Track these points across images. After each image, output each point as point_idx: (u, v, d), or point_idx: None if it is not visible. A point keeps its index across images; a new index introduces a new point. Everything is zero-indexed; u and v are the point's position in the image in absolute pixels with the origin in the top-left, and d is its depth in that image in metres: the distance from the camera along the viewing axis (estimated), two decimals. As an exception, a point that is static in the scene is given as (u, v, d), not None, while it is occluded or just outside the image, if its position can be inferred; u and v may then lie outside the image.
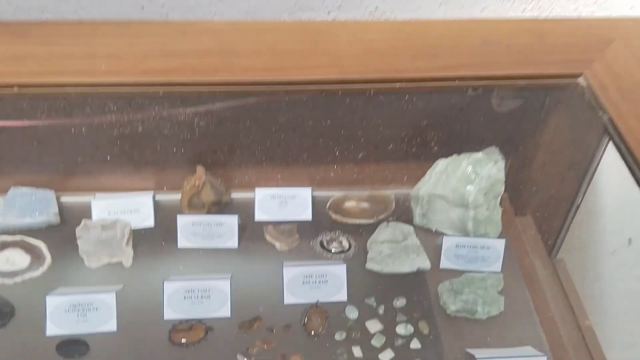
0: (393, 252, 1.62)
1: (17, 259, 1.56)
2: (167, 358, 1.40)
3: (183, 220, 1.62)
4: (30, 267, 1.55)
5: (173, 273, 1.56)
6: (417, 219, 1.72)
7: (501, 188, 1.64)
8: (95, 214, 1.65)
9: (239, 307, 1.50)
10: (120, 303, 1.46)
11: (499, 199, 1.67)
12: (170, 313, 1.47)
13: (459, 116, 1.67)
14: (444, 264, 1.62)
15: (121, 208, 1.67)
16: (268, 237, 1.66)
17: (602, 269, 1.76)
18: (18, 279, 1.52)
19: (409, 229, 1.70)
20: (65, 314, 1.43)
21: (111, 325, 1.44)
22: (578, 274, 1.78)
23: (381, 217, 1.74)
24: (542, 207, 1.79)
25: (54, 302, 1.43)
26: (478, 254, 1.61)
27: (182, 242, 1.63)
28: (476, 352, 1.41)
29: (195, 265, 1.60)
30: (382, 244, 1.64)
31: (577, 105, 1.48)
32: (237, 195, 1.78)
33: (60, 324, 1.42)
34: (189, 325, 1.46)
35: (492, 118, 1.68)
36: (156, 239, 1.66)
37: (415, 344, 1.45)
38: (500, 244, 1.61)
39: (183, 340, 1.43)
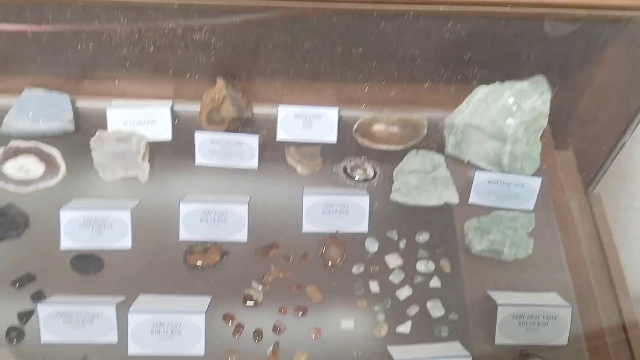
0: (420, 183, 1.53)
1: (31, 166, 1.51)
2: (182, 279, 1.38)
3: (201, 137, 1.54)
4: (44, 177, 1.50)
5: (190, 191, 1.50)
6: (449, 149, 1.62)
7: (544, 122, 1.52)
8: (111, 124, 1.58)
9: (256, 232, 1.45)
10: (136, 220, 1.42)
11: (540, 133, 1.54)
12: (186, 234, 1.43)
13: (505, 40, 1.50)
14: (473, 199, 1.53)
15: (138, 118, 1.60)
16: (289, 160, 1.58)
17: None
18: (32, 188, 1.49)
19: (440, 159, 1.60)
20: (80, 228, 1.40)
21: (126, 243, 1.41)
22: (614, 214, 1.68)
23: (411, 143, 1.64)
24: (585, 142, 1.67)
25: (68, 216, 1.40)
26: (511, 192, 1.52)
27: (200, 159, 1.56)
28: (498, 297, 1.36)
29: (212, 184, 1.54)
30: (410, 174, 1.55)
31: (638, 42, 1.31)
32: (259, 111, 1.68)
33: (74, 238, 1.40)
34: (205, 248, 1.42)
35: (542, 44, 1.51)
36: (173, 154, 1.59)
37: (435, 283, 1.40)
38: (536, 182, 1.51)
39: (198, 263, 1.40)
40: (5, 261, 1.37)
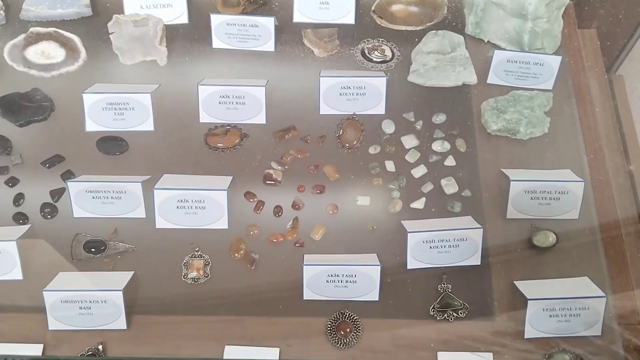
0: (439, 64, 1.52)
1: (52, 52, 1.53)
2: (203, 161, 1.43)
3: (217, 20, 1.53)
4: (65, 61, 1.53)
5: (208, 74, 1.52)
6: (469, 28, 1.59)
7: (566, -2, 1.47)
8: (127, 8, 1.57)
9: (274, 115, 1.47)
10: (157, 103, 1.45)
11: (562, 10, 1.50)
12: (206, 117, 1.46)
13: None
14: (492, 79, 1.52)
15: (154, 2, 1.58)
16: (306, 42, 1.57)
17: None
18: (55, 73, 1.52)
19: (459, 39, 1.57)
20: (103, 111, 1.44)
21: (148, 125, 1.45)
22: (634, 94, 1.66)
23: (430, 24, 1.60)
24: (610, 22, 1.61)
25: (91, 99, 1.43)
26: (530, 71, 1.50)
27: (217, 42, 1.56)
28: (511, 173, 1.38)
29: (230, 67, 1.55)
30: (428, 54, 1.54)
31: None
32: (275, -7, 1.65)
33: (98, 121, 1.44)
34: (225, 130, 1.46)
35: None
36: (190, 37, 1.59)
37: (450, 161, 1.43)
38: (556, 61, 1.49)
39: (219, 145, 1.44)
40: (34, 144, 1.43)
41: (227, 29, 1.54)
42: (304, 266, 1.26)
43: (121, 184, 1.34)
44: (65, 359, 1.21)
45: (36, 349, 1.22)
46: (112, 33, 1.52)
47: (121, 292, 1.23)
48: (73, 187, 1.34)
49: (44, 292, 1.23)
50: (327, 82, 1.46)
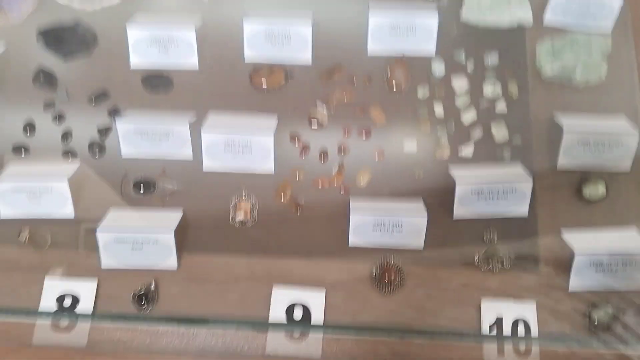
0: (493, 2, 1.45)
1: (92, -17, 1.49)
2: (248, 100, 1.41)
3: (262, -50, 1.46)
4: (107, -7, 1.48)
5: (252, 9, 1.47)
6: (528, -38, 1.49)
7: None
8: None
9: (319, 53, 1.43)
10: (200, 38, 1.41)
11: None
12: (250, 54, 1.43)
13: None
14: (549, 19, 1.45)
15: None
16: (354, -26, 1.50)
17: None
18: (97, 6, 1.48)
19: (516, -26, 1.48)
20: (147, 47, 1.41)
21: (193, 63, 1.42)
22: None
23: (486, -44, 1.51)
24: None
25: (135, 35, 1.40)
26: (589, 11, 1.42)
27: (261, -26, 1.50)
28: (564, 121, 1.34)
29: (273, 1, 1.49)
30: (482, -9, 1.46)
31: None
32: None
33: (143, 57, 1.42)
34: (270, 69, 1.42)
35: None
36: (233, -31, 1.53)
37: (501, 107, 1.39)
38: (618, 1, 1.40)
39: (264, 85, 1.41)
40: (78, 78, 1.42)
41: (272, -40, 1.47)
42: (351, 215, 1.27)
43: (168, 126, 1.33)
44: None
45: (91, 286, 1.26)
46: (154, -36, 1.46)
47: (172, 235, 1.25)
48: (121, 126, 1.34)
49: (97, 233, 1.26)
50: (376, 20, 1.40)
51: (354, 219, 1.27)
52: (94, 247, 1.28)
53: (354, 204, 1.30)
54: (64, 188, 1.28)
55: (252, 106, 1.40)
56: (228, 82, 1.42)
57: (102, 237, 1.26)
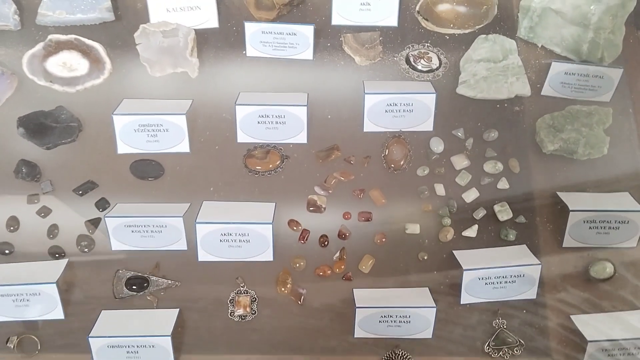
0: (490, 74, 1.42)
1: (75, 63, 1.43)
2: (243, 184, 1.36)
3: (252, 28, 1.42)
4: (90, 74, 1.43)
5: (242, 85, 1.42)
6: (522, 32, 1.47)
7: (631, 6, 1.35)
8: (152, 12, 1.45)
9: (315, 132, 1.39)
10: (190, 118, 1.36)
11: (626, 17, 1.39)
12: (244, 137, 1.38)
13: None
14: (547, 91, 1.43)
15: (180, 4, 1.46)
16: (346, 49, 1.47)
17: None
18: (80, 87, 1.42)
19: (511, 45, 1.46)
20: (135, 133, 1.35)
21: (184, 146, 1.37)
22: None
23: (480, 26, 1.49)
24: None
25: (122, 121, 1.34)
26: (588, 83, 1.41)
27: (251, 50, 1.46)
28: (568, 199, 1.32)
29: (266, 77, 1.45)
30: (478, 63, 1.44)
31: None
32: (312, -7, 1.52)
33: (130, 143, 1.36)
34: (265, 152, 1.38)
35: None
36: (221, 43, 1.48)
37: (502, 184, 1.36)
38: (617, 73, 1.40)
39: (258, 167, 1.36)
40: (63, 168, 1.36)
41: (262, 37, 1.43)
42: (357, 308, 1.22)
43: (161, 219, 1.27)
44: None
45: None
46: (139, 44, 1.41)
47: (170, 337, 1.19)
48: (111, 221, 1.27)
49: (89, 339, 1.19)
50: (372, 99, 1.37)
51: (360, 313, 1.22)
52: (86, 350, 1.21)
53: (358, 294, 1.26)
54: (53, 290, 1.22)
55: (247, 190, 1.36)
56: (221, 166, 1.37)
57: (95, 343, 1.19)
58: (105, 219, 1.27)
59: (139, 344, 1.19)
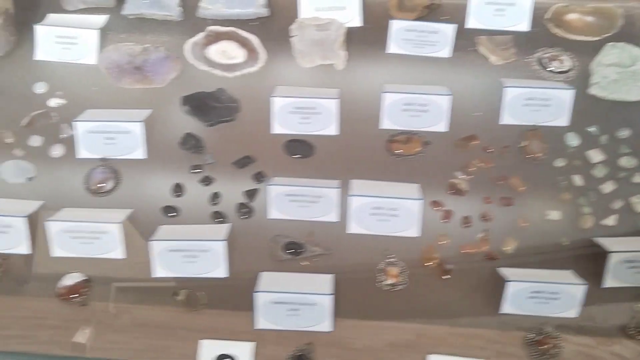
0: (620, 77, 1.50)
1: (233, 52, 1.56)
2: (385, 166, 1.44)
3: (396, 26, 1.54)
4: (247, 62, 1.55)
5: (383, 79, 1.52)
6: (648, 41, 1.56)
7: None
8: (303, 10, 1.58)
9: (454, 123, 1.47)
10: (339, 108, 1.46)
11: None
12: (387, 123, 1.47)
13: None
14: (676, 92, 1.50)
15: (328, 4, 1.59)
16: (481, 49, 1.57)
17: None
18: (237, 73, 1.54)
19: (638, 52, 1.54)
20: (289, 115, 1.46)
21: (333, 129, 1.46)
22: None
23: (607, 35, 1.58)
24: None
25: (278, 103, 1.45)
26: None
27: (393, 47, 1.57)
28: None
29: (406, 72, 1.55)
30: (608, 67, 1.52)
31: None
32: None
33: (284, 124, 1.46)
34: (407, 137, 1.47)
35: None
36: (364, 40, 1.59)
37: (638, 178, 1.42)
38: None
39: (400, 151, 1.45)
40: (223, 143, 1.46)
41: (405, 34, 1.55)
42: (507, 282, 1.27)
43: (316, 189, 1.36)
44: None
45: (248, 347, 1.26)
46: (295, 36, 1.54)
47: (332, 296, 1.25)
48: (270, 190, 1.37)
49: (255, 293, 1.26)
50: (511, 93, 1.45)
51: (511, 287, 1.27)
52: (247, 307, 1.28)
53: (504, 272, 1.31)
54: (220, 248, 1.30)
55: (389, 172, 1.44)
56: (365, 148, 1.46)
57: (260, 297, 1.26)
58: (267, 188, 1.36)
59: (301, 301, 1.26)
